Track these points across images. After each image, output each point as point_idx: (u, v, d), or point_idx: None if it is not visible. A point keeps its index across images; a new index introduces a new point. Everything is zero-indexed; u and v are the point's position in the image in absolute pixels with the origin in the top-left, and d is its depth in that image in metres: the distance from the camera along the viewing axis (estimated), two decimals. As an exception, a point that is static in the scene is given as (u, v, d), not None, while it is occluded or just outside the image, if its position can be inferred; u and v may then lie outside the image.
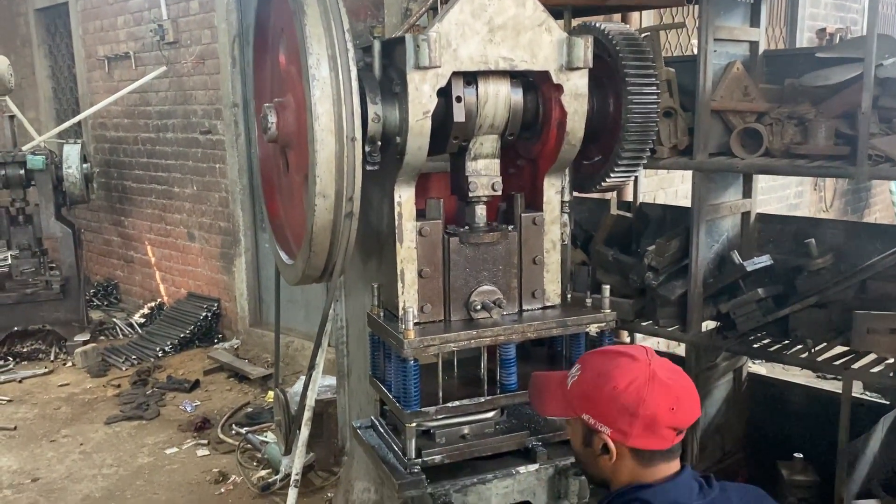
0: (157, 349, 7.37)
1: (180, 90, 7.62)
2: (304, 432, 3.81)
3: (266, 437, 5.19)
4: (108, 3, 8.35)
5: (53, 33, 9.79)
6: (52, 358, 7.43)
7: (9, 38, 10.18)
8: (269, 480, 4.64)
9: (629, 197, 4.92)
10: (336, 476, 4.34)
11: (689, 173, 6.52)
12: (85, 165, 7.44)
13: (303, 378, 4.34)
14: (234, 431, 5.50)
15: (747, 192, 4.14)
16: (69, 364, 7.26)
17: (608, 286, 2.77)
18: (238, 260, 7.38)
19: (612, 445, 1.88)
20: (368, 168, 2.48)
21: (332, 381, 4.10)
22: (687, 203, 3.99)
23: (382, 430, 2.82)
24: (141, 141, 8.43)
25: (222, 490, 4.74)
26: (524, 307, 2.78)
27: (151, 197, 8.45)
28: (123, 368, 7.08)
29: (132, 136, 8.56)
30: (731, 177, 4.08)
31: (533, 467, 2.70)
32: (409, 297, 2.62)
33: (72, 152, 7.29)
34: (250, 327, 7.41)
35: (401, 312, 2.63)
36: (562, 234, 2.84)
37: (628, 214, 4.56)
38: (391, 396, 2.68)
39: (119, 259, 9.35)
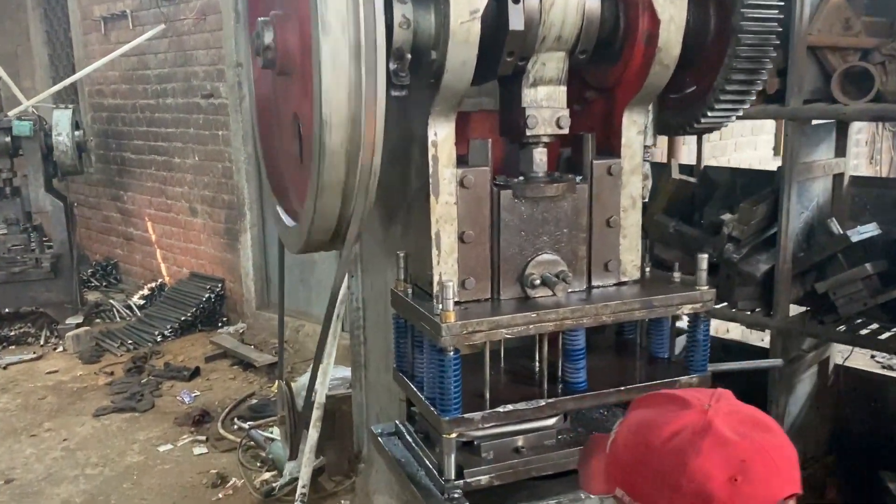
0: (156, 333, 6.79)
1: (180, 50, 6.99)
2: (313, 435, 3.20)
3: (271, 432, 4.59)
4: (105, -40, 7.74)
5: (49, -3, 9.19)
6: (41, 342, 6.86)
7: (3, 2, 9.58)
8: (274, 485, 4.05)
9: (686, 159, 4.26)
10: (351, 481, 3.75)
11: (745, 140, 5.80)
12: (77, 133, 6.84)
13: (303, 378, 3.73)
14: (235, 426, 4.91)
15: (840, 150, 3.47)
16: (60, 349, 6.69)
17: (705, 255, 2.13)
18: (243, 236, 6.77)
19: None
20: (394, 94, 1.85)
21: (346, 373, 3.50)
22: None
23: (411, 440, 2.20)
24: (140, 108, 7.82)
25: (220, 495, 4.15)
26: (594, 283, 2.15)
27: (151, 169, 7.85)
28: (118, 354, 6.50)
29: (130, 104, 7.95)
30: (823, 131, 3.41)
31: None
32: (446, 268, 2.01)
33: (62, 118, 6.69)
34: (257, 310, 6.82)
35: (436, 288, 2.01)
36: (643, 187, 2.21)
37: (691, 179, 3.90)
38: (423, 398, 2.07)
39: (119, 237, 8.77)
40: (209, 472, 4.37)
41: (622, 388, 2.19)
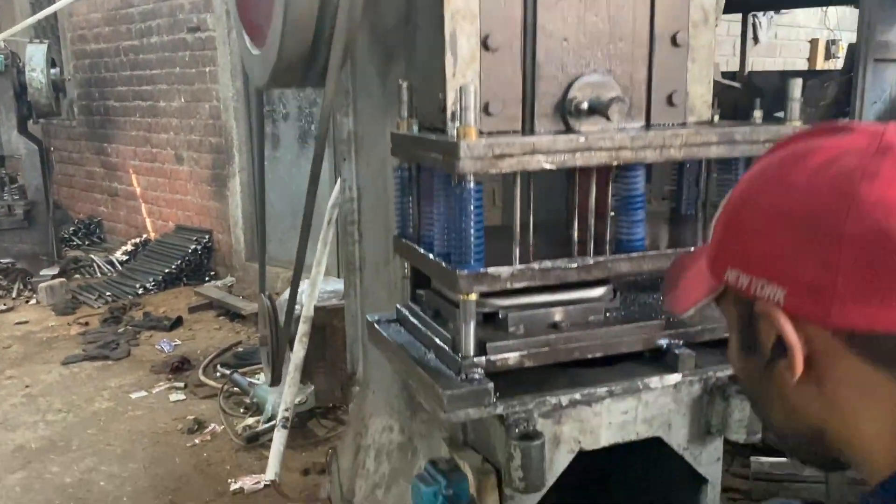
0: (137, 286, 6.31)
1: (164, -18, 6.51)
2: (298, 351, 2.72)
3: (258, 379, 4.11)
4: None
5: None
6: (13, 295, 6.37)
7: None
8: (258, 430, 3.57)
9: (728, 66, 3.80)
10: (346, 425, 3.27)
11: (792, 45, 5.27)
12: (53, 70, 6.35)
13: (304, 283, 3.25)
14: (218, 374, 4.42)
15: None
16: (33, 301, 6.20)
17: (798, 79, 1.66)
18: (232, 181, 6.29)
19: (791, 335, 0.76)
20: None
21: (337, 285, 3.02)
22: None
23: (417, 321, 1.73)
24: (123, 51, 7.32)
25: (196, 441, 3.67)
26: (653, 121, 1.69)
27: (136, 116, 7.36)
28: (95, 306, 6.02)
29: (113, 47, 7.45)
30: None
31: (671, 380, 1.61)
32: (464, 82, 1.52)
33: (36, 52, 6.20)
34: (246, 262, 6.33)
35: (450, 104, 1.54)
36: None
37: (736, 84, 3.43)
38: (432, 259, 1.61)
39: (103, 193, 8.28)
40: (186, 419, 3.90)
41: (692, 248, 1.72)
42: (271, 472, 2.65)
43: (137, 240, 7.45)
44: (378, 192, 2.32)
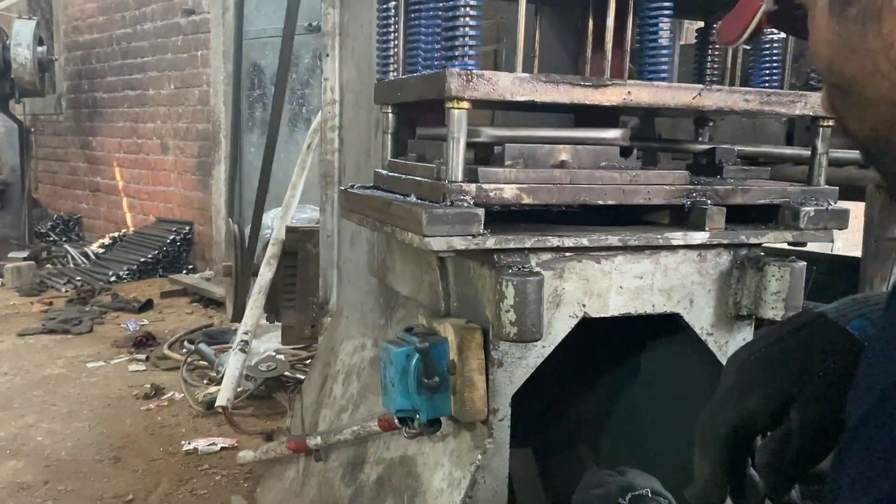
0: (110, 274, 6.00)
1: (163, -34, 6.38)
2: (265, 273, 2.43)
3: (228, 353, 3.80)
4: None
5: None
6: (-21, 276, 6.06)
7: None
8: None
9: None
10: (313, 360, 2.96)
11: None
12: (41, 48, 6.16)
13: (274, 211, 2.98)
14: (184, 350, 4.11)
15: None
16: (-1, 283, 5.89)
17: None
18: (217, 169, 6.05)
19: None
20: None
21: (314, 213, 2.76)
22: None
23: (398, 174, 1.47)
24: (115, 40, 7.16)
25: (151, 406, 3.35)
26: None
27: (123, 106, 7.16)
28: (63, 290, 5.70)
29: (106, 37, 7.29)
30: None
31: (696, 237, 1.35)
32: None
33: (23, 28, 6.03)
34: (224, 241, 6.03)
35: None
36: None
37: None
38: (417, 75, 1.36)
39: (84, 189, 8.03)
40: (143, 386, 3.57)
41: (722, 89, 1.48)
42: (223, 398, 2.35)
43: (116, 234, 7.17)
44: (364, 83, 2.08)
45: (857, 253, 2.74)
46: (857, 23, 0.66)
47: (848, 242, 3.16)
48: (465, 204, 1.20)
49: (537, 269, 1.25)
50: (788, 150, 1.92)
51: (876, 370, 0.59)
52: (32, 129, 7.39)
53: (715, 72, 1.70)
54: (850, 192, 2.68)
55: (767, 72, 1.55)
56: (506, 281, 1.17)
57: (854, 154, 2.04)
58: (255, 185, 5.53)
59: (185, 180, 6.47)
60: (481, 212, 1.19)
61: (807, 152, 1.55)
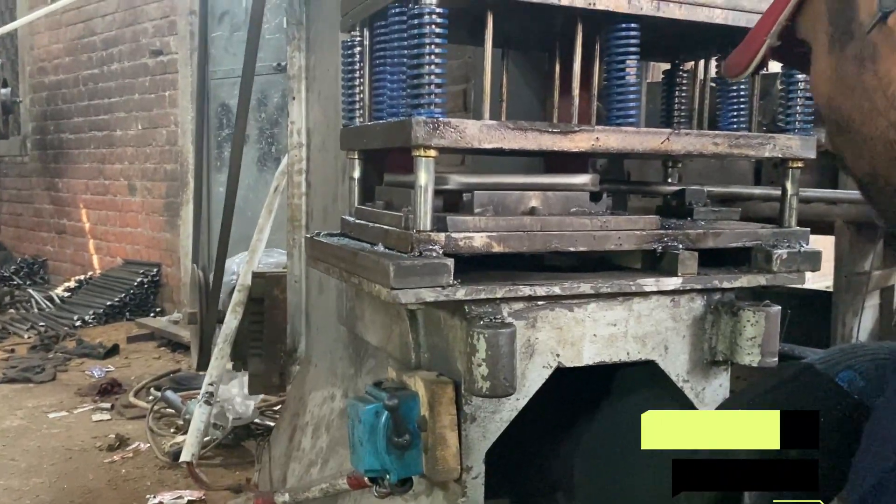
0: (75, 318, 5.86)
1: (130, 8, 6.34)
2: (230, 321, 2.37)
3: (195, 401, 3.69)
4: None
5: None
6: (-64, 323, 5.87)
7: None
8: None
9: None
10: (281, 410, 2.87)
11: None
12: (4, 91, 6.10)
13: (240, 256, 2.92)
14: (150, 397, 4.00)
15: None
16: (-44, 330, 5.71)
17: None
18: (185, 209, 5.97)
19: None
20: None
21: (282, 257, 2.70)
22: None
23: (365, 221, 1.43)
24: (82, 80, 7.08)
25: (115, 458, 3.23)
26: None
27: (90, 147, 7.06)
28: (25, 336, 5.55)
29: (72, 77, 7.21)
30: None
31: (668, 284, 1.33)
32: None
33: (-13, 69, 5.92)
34: (189, 288, 5.93)
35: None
36: None
37: None
38: (383, 122, 1.34)
39: (50, 231, 7.87)
40: (107, 437, 3.45)
41: (690, 133, 1.48)
42: (187, 454, 2.26)
43: (82, 276, 7.02)
44: (331, 127, 2.05)
45: (826, 282, 2.74)
46: (855, 61, 0.68)
47: (817, 273, 3.18)
48: (434, 254, 1.17)
49: (509, 319, 1.22)
50: (758, 190, 1.92)
51: (874, 452, 0.57)
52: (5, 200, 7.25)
53: (683, 112, 1.70)
54: (820, 226, 2.69)
55: (735, 113, 1.55)
56: (477, 334, 1.13)
57: (822, 192, 2.05)
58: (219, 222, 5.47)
59: (153, 221, 6.37)
60: (451, 262, 1.16)
61: (776, 192, 1.55)
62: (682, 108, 1.68)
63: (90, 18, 6.82)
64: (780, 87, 1.53)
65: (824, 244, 2.07)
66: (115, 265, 6.83)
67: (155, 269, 6.30)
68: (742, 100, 1.55)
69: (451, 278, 1.15)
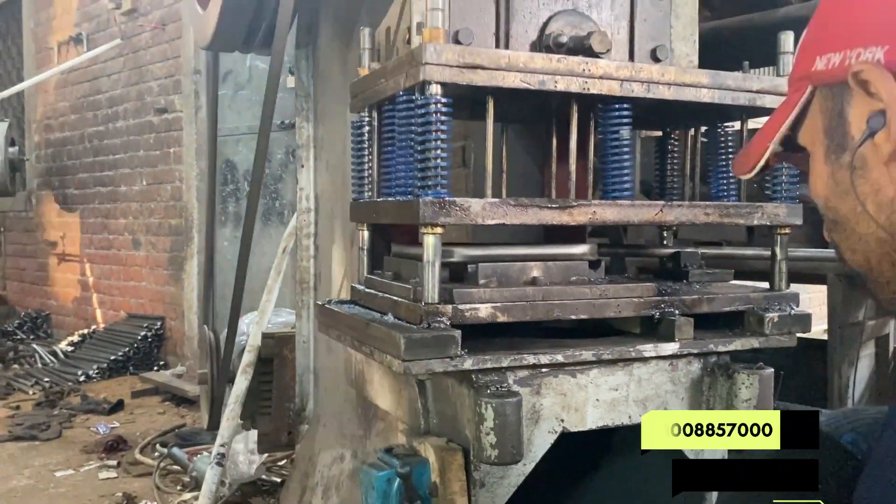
0: (80, 373, 5.89)
1: (135, 67, 6.49)
2: (240, 382, 2.42)
3: (202, 457, 3.71)
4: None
5: (4, 35, 8.75)
6: (-61, 380, 5.89)
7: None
8: (193, 504, 3.17)
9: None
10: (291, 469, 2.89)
11: None
12: (12, 149, 6.21)
13: (249, 316, 2.98)
14: (156, 453, 4.02)
15: None
16: (-39, 388, 5.73)
17: (790, 33, 1.56)
18: (189, 263, 6.04)
19: (890, 89, 0.73)
20: None
21: (290, 317, 2.76)
22: None
23: (374, 290, 1.50)
24: (87, 137, 7.22)
25: (123, 517, 3.25)
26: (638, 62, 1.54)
27: (94, 203, 7.17)
28: (30, 392, 5.57)
29: (78, 134, 7.36)
30: None
31: (666, 349, 1.39)
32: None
33: (-4, 130, 6.06)
34: (199, 348, 5.97)
35: (416, 16, 1.40)
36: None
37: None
38: (391, 199, 1.41)
39: (53, 286, 7.93)
40: (114, 496, 3.47)
41: (682, 204, 1.55)
42: (199, 516, 2.28)
43: (85, 330, 7.06)
44: (337, 192, 2.14)
45: (823, 325, 2.78)
46: (849, 169, 0.77)
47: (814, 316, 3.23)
48: (442, 325, 1.23)
49: (515, 387, 1.27)
50: (750, 252, 2.00)
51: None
52: (1, 227, 7.33)
53: (675, 174, 1.78)
54: (813, 278, 2.76)
55: (724, 182, 1.62)
56: (485, 403, 1.19)
57: (813, 251, 2.13)
58: (228, 278, 5.53)
59: (157, 275, 6.44)
60: (458, 333, 1.22)
61: (766, 253, 1.62)
62: (675, 172, 1.76)
63: (96, 77, 6.98)
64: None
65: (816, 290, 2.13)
66: (118, 319, 6.87)
67: (158, 323, 6.35)
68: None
69: (459, 349, 1.22)
